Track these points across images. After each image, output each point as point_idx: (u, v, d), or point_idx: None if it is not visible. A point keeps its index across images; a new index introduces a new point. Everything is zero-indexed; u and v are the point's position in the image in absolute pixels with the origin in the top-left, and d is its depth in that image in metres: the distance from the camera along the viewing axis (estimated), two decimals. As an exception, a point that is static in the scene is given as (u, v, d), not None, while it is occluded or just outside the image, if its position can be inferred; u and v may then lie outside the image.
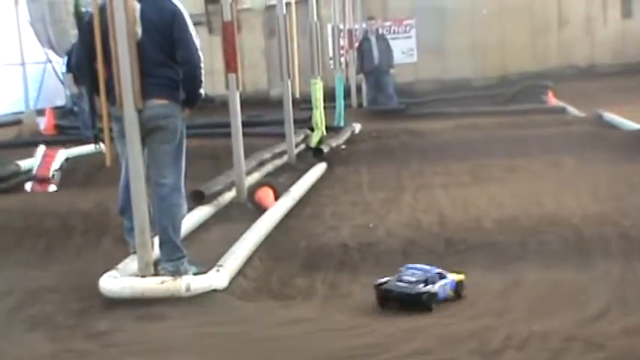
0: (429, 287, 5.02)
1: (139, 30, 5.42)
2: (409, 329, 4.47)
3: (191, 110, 5.80)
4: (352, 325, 4.65)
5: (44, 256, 6.78)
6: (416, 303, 4.97)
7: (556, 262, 5.84)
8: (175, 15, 5.56)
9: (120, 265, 5.58)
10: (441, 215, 7.23)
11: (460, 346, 4.14)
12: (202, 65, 5.66)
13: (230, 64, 7.84)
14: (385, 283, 5.11)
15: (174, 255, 5.58)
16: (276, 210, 7.48)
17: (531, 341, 4.14)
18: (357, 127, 14.22)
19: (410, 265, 5.30)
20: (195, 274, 5.45)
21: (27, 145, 13.51)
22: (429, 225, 6.94)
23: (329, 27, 18.77)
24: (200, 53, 5.64)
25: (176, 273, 5.42)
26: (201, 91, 5.71)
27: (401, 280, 5.08)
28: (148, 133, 5.49)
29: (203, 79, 5.68)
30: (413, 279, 5.06)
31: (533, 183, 7.94)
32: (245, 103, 8.55)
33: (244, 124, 8.32)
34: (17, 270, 6.19)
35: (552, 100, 16.36)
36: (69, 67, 14.37)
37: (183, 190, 5.72)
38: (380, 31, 18.49)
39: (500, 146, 10.91)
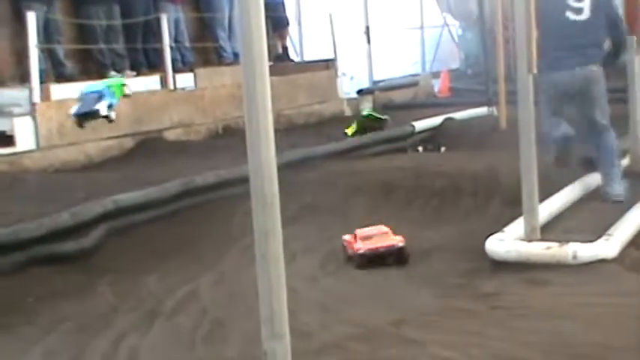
0: None
1: (586, 7, 6.64)
2: None
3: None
4: None
5: (434, 216, 7.02)
6: None
7: None
8: None
9: (506, 229, 5.62)
10: None
11: None
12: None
13: (632, 26, 7.52)
14: None
15: (608, 177, 6.81)
16: (675, 180, 7.07)
17: None
18: None
19: None
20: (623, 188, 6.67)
21: (422, 107, 14.04)
22: None
23: None
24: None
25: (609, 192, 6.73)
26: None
27: None
28: (581, 91, 6.73)
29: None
30: None
31: None
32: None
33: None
34: (411, 228, 6.46)
35: None
36: None
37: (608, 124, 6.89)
38: None
39: None
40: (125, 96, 7.24)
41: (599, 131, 6.88)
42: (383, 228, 5.84)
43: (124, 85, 7.16)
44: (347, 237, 5.89)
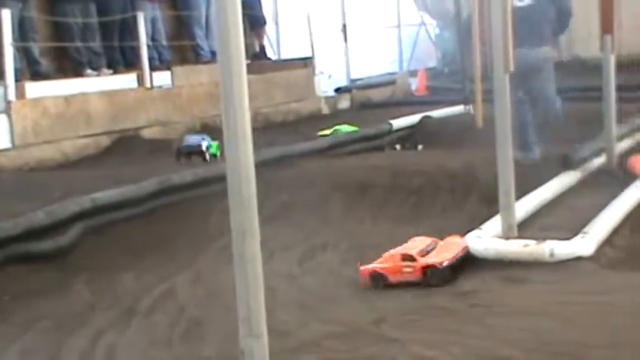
0: None
1: None
2: None
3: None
4: None
5: (412, 213, 7.03)
6: None
7: None
8: None
9: (484, 226, 5.64)
10: None
11: None
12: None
13: (605, 25, 7.55)
14: None
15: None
16: (650, 178, 7.11)
17: None
18: None
19: None
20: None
21: (399, 105, 14.07)
22: None
23: None
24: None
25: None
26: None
27: None
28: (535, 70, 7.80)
29: None
30: None
31: None
32: (623, 65, 8.23)
33: (620, 89, 7.98)
34: (388, 225, 6.47)
35: None
36: None
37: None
38: None
39: None
40: (214, 156, 8.69)
41: (549, 100, 8.11)
42: (425, 239, 5.46)
43: (219, 146, 8.61)
44: (380, 265, 5.18)
